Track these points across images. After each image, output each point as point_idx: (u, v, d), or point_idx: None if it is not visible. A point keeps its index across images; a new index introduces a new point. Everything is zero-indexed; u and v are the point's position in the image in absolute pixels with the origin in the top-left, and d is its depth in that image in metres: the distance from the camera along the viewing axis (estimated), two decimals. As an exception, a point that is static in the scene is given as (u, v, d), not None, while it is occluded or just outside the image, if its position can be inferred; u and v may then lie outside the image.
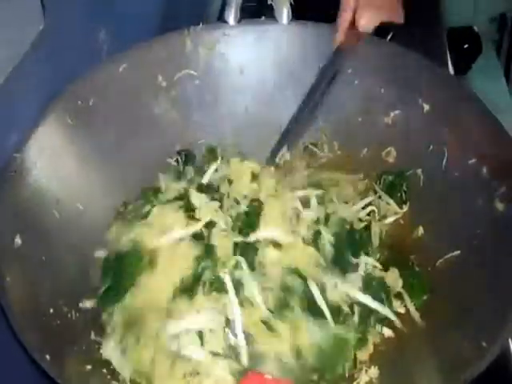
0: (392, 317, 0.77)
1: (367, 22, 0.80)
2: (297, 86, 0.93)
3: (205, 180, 0.86)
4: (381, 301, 0.77)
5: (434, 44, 1.04)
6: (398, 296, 0.79)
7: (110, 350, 0.73)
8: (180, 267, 0.76)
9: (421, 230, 0.85)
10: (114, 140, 0.87)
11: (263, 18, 0.94)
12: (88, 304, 0.77)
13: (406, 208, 0.88)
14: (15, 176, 0.74)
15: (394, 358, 0.75)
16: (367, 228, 0.84)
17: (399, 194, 0.89)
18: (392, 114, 0.90)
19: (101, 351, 0.73)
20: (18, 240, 0.71)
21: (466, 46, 1.13)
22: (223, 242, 0.78)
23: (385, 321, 0.77)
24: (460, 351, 0.69)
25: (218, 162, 0.87)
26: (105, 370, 0.72)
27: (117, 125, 0.87)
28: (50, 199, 0.78)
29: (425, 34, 0.93)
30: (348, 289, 0.77)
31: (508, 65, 1.13)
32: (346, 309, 0.75)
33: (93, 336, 0.74)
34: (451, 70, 1.05)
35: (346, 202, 0.87)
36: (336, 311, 0.75)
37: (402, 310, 0.78)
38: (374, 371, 0.73)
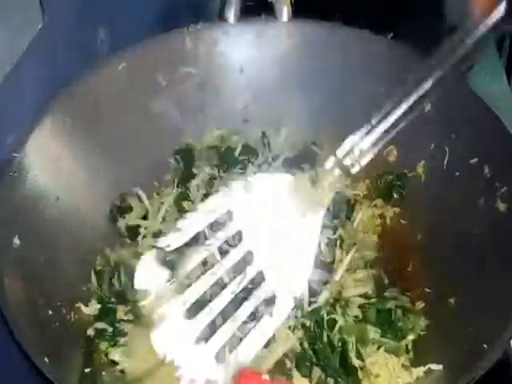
0: None
1: None
2: (297, 85, 0.93)
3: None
4: None
5: (435, 43, 1.03)
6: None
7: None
8: None
9: (421, 230, 0.85)
10: (114, 139, 0.86)
11: (263, 16, 0.93)
12: (87, 310, 0.77)
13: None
14: (14, 176, 0.74)
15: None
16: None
17: (398, 194, 0.89)
18: (393, 113, 0.89)
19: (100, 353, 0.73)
20: (16, 241, 0.71)
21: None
22: None
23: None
24: (461, 354, 0.69)
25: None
26: (104, 373, 0.72)
27: (116, 124, 0.87)
28: (48, 199, 0.78)
29: (426, 33, 0.92)
30: None
31: (510, 64, 1.13)
32: None
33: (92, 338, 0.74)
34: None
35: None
36: None
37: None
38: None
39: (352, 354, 0.73)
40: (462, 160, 0.82)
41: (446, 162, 0.84)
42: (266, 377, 0.68)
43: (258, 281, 0.74)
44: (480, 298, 0.73)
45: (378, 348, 0.74)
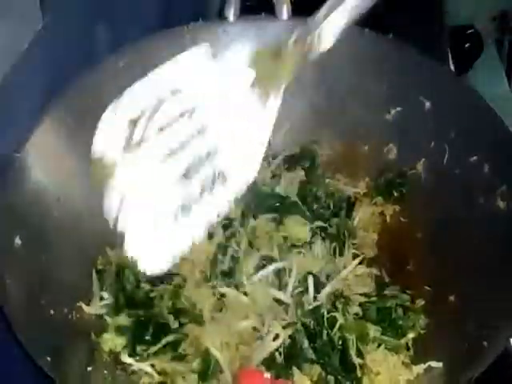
0: None
1: None
2: (297, 83, 0.92)
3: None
4: None
5: (435, 43, 1.03)
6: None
7: None
8: None
9: (421, 228, 0.85)
10: (114, 139, 0.86)
11: (263, 14, 0.93)
12: (89, 309, 0.77)
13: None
14: (15, 176, 0.74)
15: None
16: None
17: (398, 192, 0.89)
18: (393, 111, 0.90)
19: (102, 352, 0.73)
20: (17, 241, 0.71)
21: (467, 44, 1.13)
22: None
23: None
24: (461, 351, 0.70)
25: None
26: (106, 372, 0.72)
27: (116, 123, 0.87)
28: (50, 199, 0.78)
29: (426, 33, 0.93)
30: None
31: (509, 63, 1.13)
32: None
33: (93, 337, 0.74)
34: (452, 69, 1.05)
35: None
36: None
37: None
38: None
39: (352, 352, 0.73)
40: (462, 158, 0.82)
41: (445, 160, 0.85)
42: (267, 376, 0.69)
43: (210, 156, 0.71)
44: (480, 295, 0.73)
45: (379, 346, 0.75)
